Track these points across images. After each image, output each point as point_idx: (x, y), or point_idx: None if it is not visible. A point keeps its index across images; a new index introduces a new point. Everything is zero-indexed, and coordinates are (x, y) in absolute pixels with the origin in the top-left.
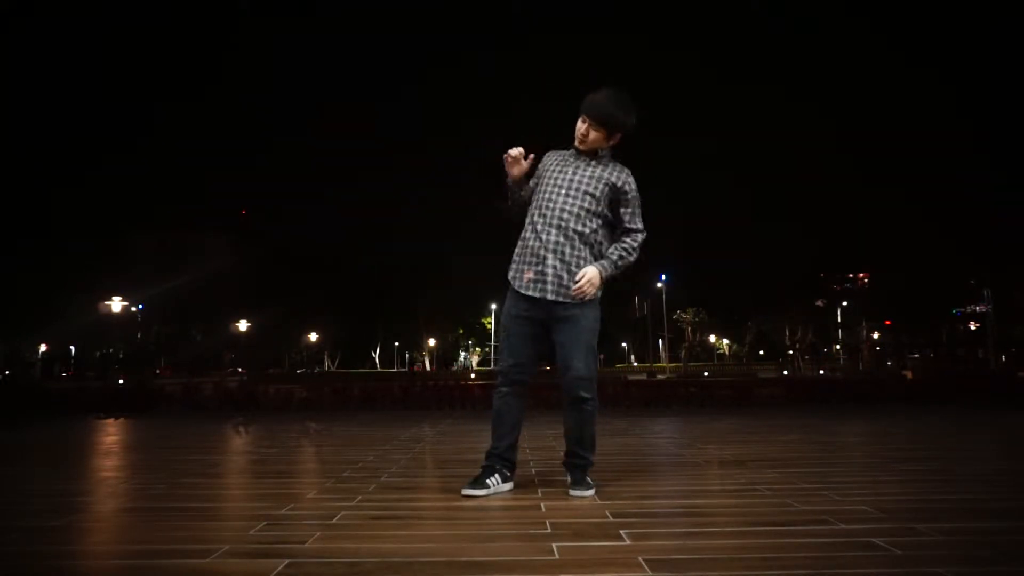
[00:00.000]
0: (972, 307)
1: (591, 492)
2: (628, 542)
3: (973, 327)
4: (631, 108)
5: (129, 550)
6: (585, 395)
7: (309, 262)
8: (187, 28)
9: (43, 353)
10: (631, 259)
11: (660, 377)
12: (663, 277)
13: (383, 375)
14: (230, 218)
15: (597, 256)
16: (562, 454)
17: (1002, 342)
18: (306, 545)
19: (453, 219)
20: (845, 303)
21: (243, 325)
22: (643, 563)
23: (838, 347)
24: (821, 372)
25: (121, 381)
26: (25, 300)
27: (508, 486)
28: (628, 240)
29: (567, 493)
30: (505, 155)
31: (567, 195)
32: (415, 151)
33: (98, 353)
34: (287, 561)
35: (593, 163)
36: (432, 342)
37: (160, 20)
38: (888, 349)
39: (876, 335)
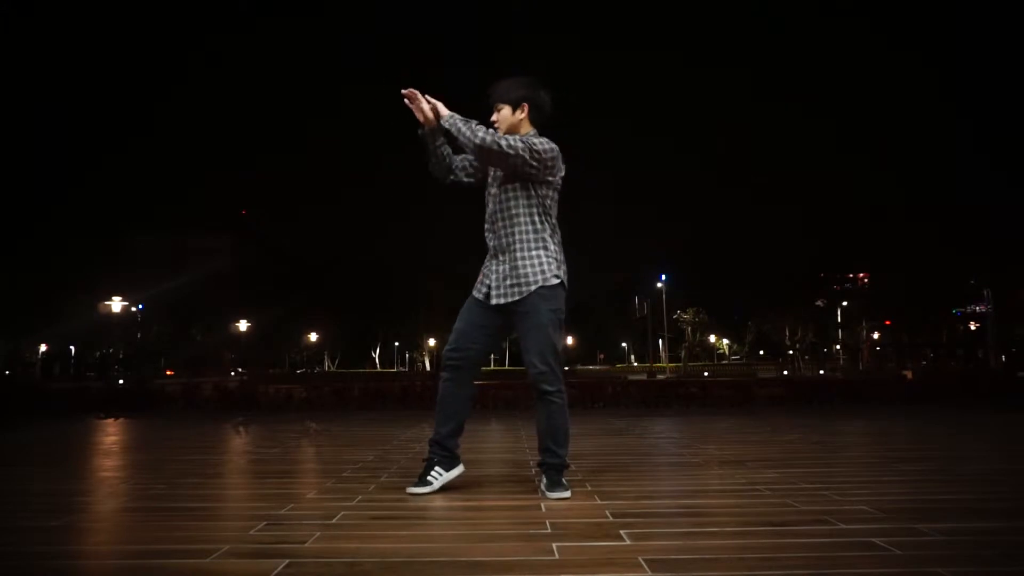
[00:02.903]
0: (972, 307)
1: (568, 493)
2: (628, 542)
3: (973, 327)
4: (521, 79)
5: (129, 550)
6: (548, 388)
7: (309, 262)
8: (187, 27)
9: (43, 353)
10: (482, 137)
11: (660, 377)
12: (663, 277)
13: (384, 375)
14: (230, 218)
15: (540, 239)
16: (534, 459)
17: (1002, 342)
18: (306, 545)
19: (453, 218)
20: (845, 303)
21: (243, 325)
22: (643, 563)
23: (838, 347)
24: (821, 372)
25: (121, 381)
26: (25, 300)
27: (455, 472)
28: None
29: (545, 497)
30: (407, 98)
31: (497, 193)
32: (416, 150)
33: (98, 353)
34: (287, 561)
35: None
36: (432, 342)
37: (160, 19)
38: (888, 349)
39: (876, 335)
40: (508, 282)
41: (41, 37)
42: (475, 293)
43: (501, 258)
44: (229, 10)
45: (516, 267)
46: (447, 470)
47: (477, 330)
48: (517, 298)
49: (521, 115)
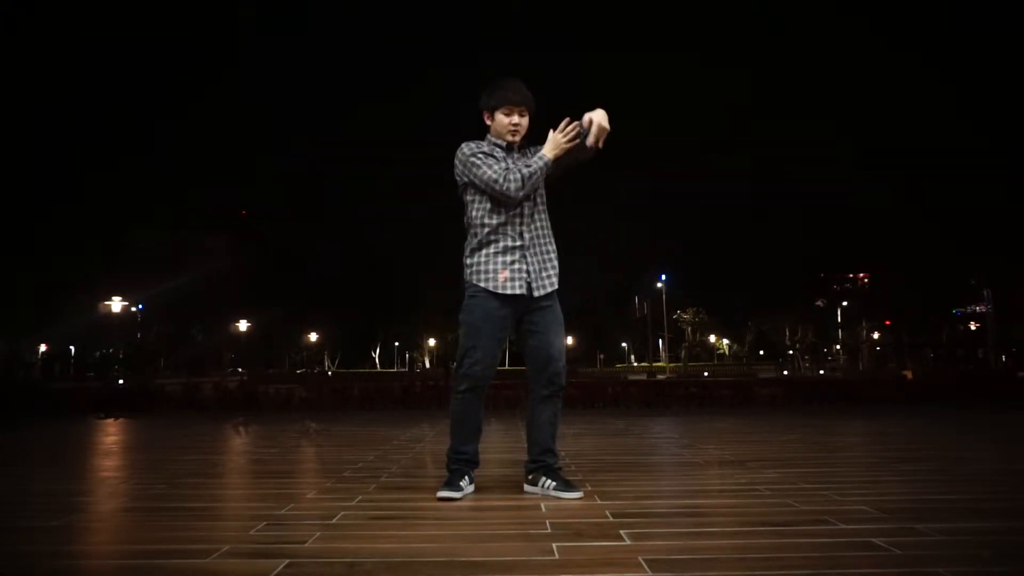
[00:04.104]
0: (972, 307)
1: (581, 493)
2: (628, 542)
3: (973, 327)
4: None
5: (129, 550)
6: (564, 383)
7: (309, 262)
8: (188, 29)
9: (43, 353)
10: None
11: (660, 377)
12: (663, 277)
13: (384, 375)
14: (230, 218)
15: (551, 231)
16: (526, 459)
17: (1002, 342)
18: (306, 545)
19: (453, 217)
20: (845, 303)
21: (243, 325)
22: (643, 563)
23: (838, 347)
24: (821, 372)
25: (121, 381)
26: (25, 300)
27: (472, 487)
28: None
29: (556, 498)
30: (568, 134)
31: (536, 194)
32: (416, 150)
33: (98, 353)
34: (287, 561)
35: (528, 152)
36: (432, 342)
37: (161, 21)
38: (888, 349)
39: (876, 335)
40: (544, 273)
41: (42, 37)
42: (504, 290)
43: (533, 251)
44: (229, 12)
45: (549, 259)
46: (472, 481)
47: (498, 344)
48: (552, 289)
49: None
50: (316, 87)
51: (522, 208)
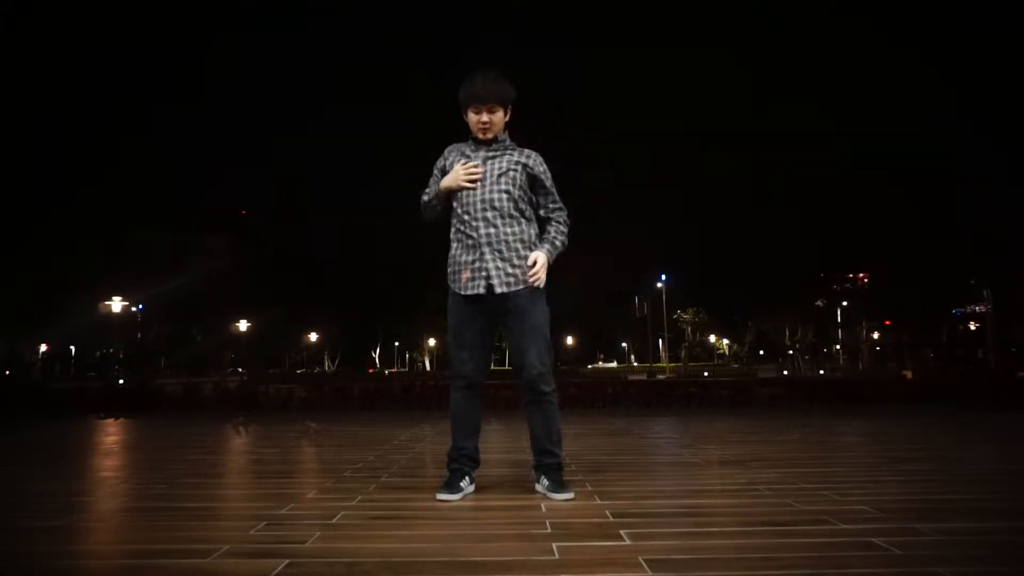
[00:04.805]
0: (972, 307)
1: (572, 494)
2: (628, 542)
3: (973, 327)
4: (502, 77)
5: (129, 550)
6: (545, 389)
7: (309, 262)
8: (188, 29)
9: (43, 353)
10: (567, 239)
11: (660, 377)
12: (663, 277)
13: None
14: (230, 218)
15: (530, 235)
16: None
17: (1002, 342)
18: (306, 545)
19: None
20: (845, 303)
21: (243, 325)
22: (643, 563)
23: (838, 347)
24: (821, 372)
25: (121, 381)
26: (25, 300)
27: (473, 487)
28: (558, 223)
29: (545, 498)
30: (470, 172)
31: (486, 185)
32: (416, 150)
33: (98, 353)
34: (287, 561)
35: (500, 149)
36: (432, 342)
37: (161, 20)
38: (888, 349)
39: (876, 335)
40: (508, 270)
41: (42, 37)
42: (466, 291)
43: (494, 247)
44: (229, 12)
45: (513, 257)
46: (472, 481)
47: (485, 338)
48: (520, 287)
49: (507, 117)
50: (316, 87)
51: (475, 204)
